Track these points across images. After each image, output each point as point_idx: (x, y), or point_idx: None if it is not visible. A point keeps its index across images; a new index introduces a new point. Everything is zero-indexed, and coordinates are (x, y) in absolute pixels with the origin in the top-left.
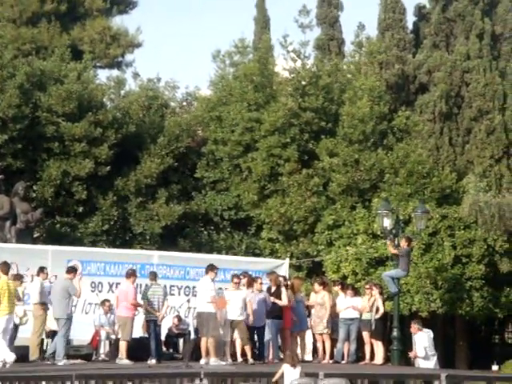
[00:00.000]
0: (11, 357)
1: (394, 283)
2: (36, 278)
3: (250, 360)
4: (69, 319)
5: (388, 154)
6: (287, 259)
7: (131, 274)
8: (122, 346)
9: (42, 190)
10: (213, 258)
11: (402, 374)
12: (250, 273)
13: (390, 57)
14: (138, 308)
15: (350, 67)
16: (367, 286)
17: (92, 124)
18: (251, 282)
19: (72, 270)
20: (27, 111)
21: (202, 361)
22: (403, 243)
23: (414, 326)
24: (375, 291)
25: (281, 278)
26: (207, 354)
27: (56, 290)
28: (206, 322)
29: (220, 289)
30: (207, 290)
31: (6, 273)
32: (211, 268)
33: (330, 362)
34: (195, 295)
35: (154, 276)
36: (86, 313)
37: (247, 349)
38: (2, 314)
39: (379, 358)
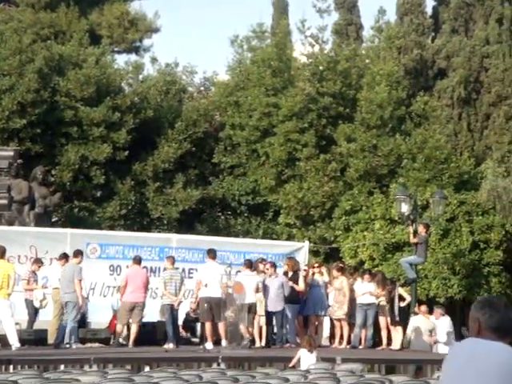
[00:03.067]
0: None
1: (411, 269)
2: (55, 262)
3: (261, 344)
4: (77, 304)
5: (406, 139)
6: (307, 242)
7: (140, 260)
8: (133, 329)
9: (61, 174)
10: (232, 241)
11: (421, 359)
12: (270, 256)
13: (409, 42)
14: (156, 292)
15: (368, 52)
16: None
17: (110, 109)
18: (270, 266)
19: (78, 253)
20: (46, 96)
21: (208, 345)
22: (421, 230)
23: (437, 311)
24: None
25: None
26: (217, 338)
27: (64, 274)
28: (217, 307)
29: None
30: (218, 274)
31: (0, 256)
32: (214, 253)
33: (348, 347)
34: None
35: (171, 261)
36: (104, 296)
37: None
38: None
39: (397, 343)
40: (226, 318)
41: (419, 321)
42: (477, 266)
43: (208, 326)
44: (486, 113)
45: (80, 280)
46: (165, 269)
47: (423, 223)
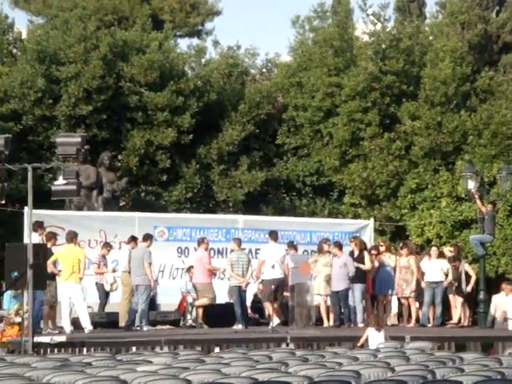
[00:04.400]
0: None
1: (480, 246)
2: (125, 246)
3: (329, 324)
4: (148, 286)
5: (471, 115)
6: (372, 219)
7: (201, 241)
8: (200, 311)
9: (127, 159)
10: (298, 220)
11: (491, 336)
12: (336, 234)
13: (473, 16)
14: (225, 273)
15: (431, 29)
16: (451, 249)
17: (174, 93)
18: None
19: (148, 237)
20: (111, 82)
21: (275, 320)
22: (489, 207)
23: (507, 288)
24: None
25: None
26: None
27: (134, 257)
28: (279, 288)
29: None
30: (280, 256)
31: (71, 240)
32: (276, 234)
33: (416, 325)
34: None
35: (238, 242)
36: (173, 278)
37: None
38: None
39: (466, 320)
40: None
41: (501, 299)
42: None
43: (270, 306)
44: None
45: (150, 263)
46: (232, 250)
47: (490, 201)
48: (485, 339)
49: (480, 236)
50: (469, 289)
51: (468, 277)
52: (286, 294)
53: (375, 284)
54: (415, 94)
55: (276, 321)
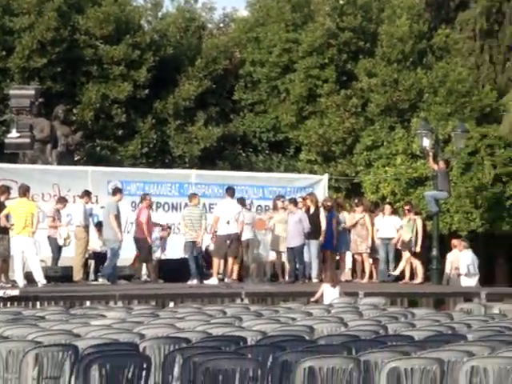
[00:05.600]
0: (21, 282)
1: (434, 203)
2: (78, 201)
3: (284, 280)
4: (115, 240)
5: (427, 73)
6: (326, 175)
7: (144, 198)
8: (144, 266)
9: (82, 113)
10: (251, 175)
11: (442, 292)
12: (289, 190)
13: None
14: (179, 228)
15: None
16: (407, 207)
17: (130, 47)
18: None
19: (117, 191)
20: (65, 34)
21: (213, 280)
22: (442, 165)
23: (461, 244)
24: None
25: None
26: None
27: (104, 212)
28: (234, 243)
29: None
30: (236, 212)
31: (24, 194)
32: (233, 190)
33: (372, 281)
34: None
35: (190, 197)
36: (128, 232)
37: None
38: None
39: (419, 277)
40: (254, 256)
41: (456, 255)
42: (499, 200)
43: (219, 262)
44: (508, 44)
45: (115, 215)
46: (186, 205)
47: (442, 159)
48: (437, 295)
49: (434, 192)
50: (417, 247)
51: (417, 234)
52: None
53: (328, 240)
54: (372, 51)
55: (214, 278)
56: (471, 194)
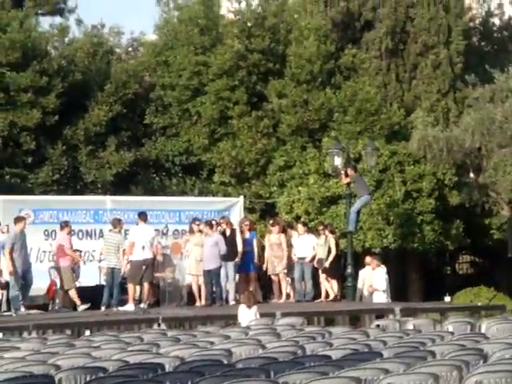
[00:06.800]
0: None
1: (355, 221)
2: None
3: (201, 303)
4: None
5: (336, 92)
6: (241, 197)
7: (64, 225)
8: (72, 294)
9: None
10: (167, 199)
11: (358, 309)
12: (206, 213)
13: None
14: (93, 255)
15: (295, 6)
16: (321, 227)
17: (37, 73)
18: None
19: (18, 220)
20: None
21: (129, 306)
22: (350, 172)
23: (374, 262)
24: (327, 232)
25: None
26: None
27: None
28: (149, 268)
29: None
30: (150, 237)
31: None
32: (145, 215)
33: (289, 301)
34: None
35: (114, 222)
36: (41, 261)
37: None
38: None
39: (332, 294)
40: (165, 279)
41: (368, 272)
42: (410, 216)
43: (135, 288)
44: (413, 63)
45: (10, 248)
46: (101, 232)
47: (349, 166)
48: (352, 312)
49: (358, 203)
50: (327, 264)
51: (329, 252)
52: (158, 274)
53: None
54: (281, 72)
55: (130, 304)
56: (383, 210)
